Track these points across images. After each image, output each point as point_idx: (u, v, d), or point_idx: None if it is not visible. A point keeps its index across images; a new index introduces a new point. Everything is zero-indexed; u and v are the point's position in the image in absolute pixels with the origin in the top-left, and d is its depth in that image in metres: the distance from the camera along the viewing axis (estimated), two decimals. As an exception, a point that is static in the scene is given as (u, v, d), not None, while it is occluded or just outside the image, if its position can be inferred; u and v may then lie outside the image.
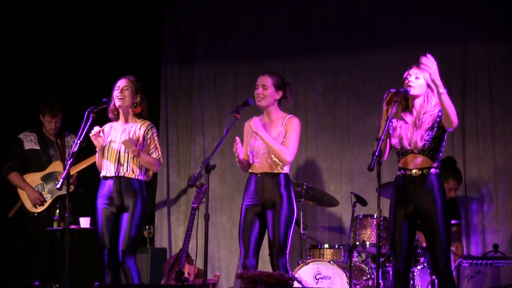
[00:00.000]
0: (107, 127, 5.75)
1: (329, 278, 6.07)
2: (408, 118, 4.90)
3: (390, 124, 4.89)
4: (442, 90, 4.66)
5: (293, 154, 5.44)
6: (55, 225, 6.26)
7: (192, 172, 7.86)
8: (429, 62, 4.71)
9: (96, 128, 5.58)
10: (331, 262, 6.10)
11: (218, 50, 7.95)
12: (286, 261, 5.38)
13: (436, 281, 5.58)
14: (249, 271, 4.85)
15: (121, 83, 5.70)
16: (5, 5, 7.71)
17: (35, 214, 6.60)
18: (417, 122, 4.84)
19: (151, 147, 5.68)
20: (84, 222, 6.01)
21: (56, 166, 6.67)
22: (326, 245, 6.48)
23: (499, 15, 7.01)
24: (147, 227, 7.19)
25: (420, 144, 4.80)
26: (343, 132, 7.44)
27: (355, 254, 6.30)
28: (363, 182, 7.25)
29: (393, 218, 4.88)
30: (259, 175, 5.46)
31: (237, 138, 5.45)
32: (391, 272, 5.63)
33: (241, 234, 5.46)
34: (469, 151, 7.02)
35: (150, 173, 5.73)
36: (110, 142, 5.66)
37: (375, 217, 6.09)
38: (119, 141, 5.63)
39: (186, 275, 5.96)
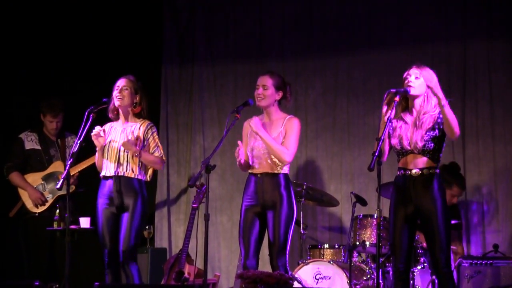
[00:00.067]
0: (107, 127, 5.74)
1: (329, 278, 6.07)
2: (408, 118, 4.90)
3: (390, 124, 4.89)
4: (444, 102, 4.67)
5: (293, 155, 5.44)
6: (55, 225, 6.26)
7: (192, 172, 7.86)
8: (429, 75, 4.75)
9: (98, 128, 5.58)
10: (331, 262, 6.10)
11: (218, 50, 7.95)
12: (286, 261, 5.38)
13: (436, 281, 5.58)
14: (249, 271, 4.85)
15: (121, 83, 5.70)
16: (5, 5, 7.71)
17: (36, 214, 6.60)
18: (417, 122, 4.85)
19: (153, 146, 5.68)
20: (84, 222, 6.01)
21: (57, 166, 6.67)
22: (326, 245, 6.49)
23: (499, 15, 7.01)
24: (147, 227, 7.18)
25: (420, 144, 4.81)
26: (343, 132, 7.44)
27: (355, 254, 6.30)
28: (363, 182, 7.25)
29: (393, 218, 4.88)
30: (259, 176, 5.46)
31: (240, 143, 5.44)
32: (391, 272, 5.63)
33: (241, 234, 5.46)
34: (469, 151, 7.02)
35: (151, 173, 5.73)
36: (110, 142, 5.66)
37: (375, 217, 6.09)
38: (119, 140, 5.63)
39: (186, 275, 5.96)
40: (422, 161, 4.83)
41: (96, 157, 5.72)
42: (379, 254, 4.73)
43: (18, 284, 5.55)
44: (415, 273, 6.04)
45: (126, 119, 5.72)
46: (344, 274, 5.99)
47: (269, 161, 5.44)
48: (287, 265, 5.39)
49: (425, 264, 6.11)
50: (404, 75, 4.91)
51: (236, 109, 5.37)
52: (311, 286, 6.02)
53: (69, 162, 5.43)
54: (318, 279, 6.09)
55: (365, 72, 7.43)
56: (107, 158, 5.64)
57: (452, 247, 5.70)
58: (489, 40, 7.04)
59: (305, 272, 6.11)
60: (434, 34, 7.19)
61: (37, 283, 5.05)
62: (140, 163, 5.63)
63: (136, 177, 5.62)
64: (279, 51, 7.73)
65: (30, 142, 6.73)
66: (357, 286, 6.01)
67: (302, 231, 6.58)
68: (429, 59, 6.87)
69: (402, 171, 4.89)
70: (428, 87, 4.76)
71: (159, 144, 5.71)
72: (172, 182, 7.93)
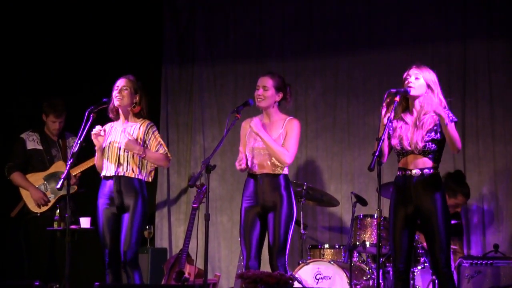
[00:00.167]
0: (107, 127, 5.74)
1: (329, 278, 6.07)
2: (408, 118, 4.90)
3: (390, 124, 4.89)
4: (447, 121, 4.68)
5: (293, 156, 5.45)
6: (55, 225, 6.26)
7: (192, 172, 7.86)
8: (429, 98, 4.76)
9: (98, 127, 5.58)
10: (332, 262, 6.10)
11: (218, 50, 7.95)
12: (286, 261, 5.38)
13: (436, 281, 5.59)
14: (249, 271, 4.86)
15: (120, 82, 5.70)
16: (5, 5, 7.71)
17: (38, 214, 6.60)
18: (417, 123, 4.85)
19: (155, 145, 5.67)
20: (85, 222, 6.01)
21: (59, 166, 6.67)
22: (326, 245, 6.48)
23: (499, 15, 7.00)
24: (147, 227, 7.18)
25: (420, 145, 4.81)
26: (343, 132, 7.44)
27: (356, 254, 6.30)
28: (363, 182, 7.25)
29: (393, 219, 4.88)
30: (258, 176, 5.46)
31: (241, 150, 5.45)
32: (391, 272, 5.63)
33: (242, 235, 5.46)
34: (469, 151, 7.02)
35: (152, 173, 5.73)
36: (110, 142, 5.66)
37: (375, 217, 6.10)
38: (119, 140, 5.63)
39: (186, 275, 5.96)
40: (422, 161, 4.83)
41: (96, 157, 5.72)
42: (379, 254, 4.74)
43: (18, 284, 5.55)
44: (415, 273, 6.04)
45: (126, 119, 5.72)
46: (344, 274, 5.99)
47: (269, 162, 5.44)
48: (286, 265, 5.40)
49: (425, 264, 6.11)
50: (404, 76, 4.91)
51: (236, 109, 5.38)
52: (311, 286, 6.02)
53: (69, 162, 5.43)
54: (318, 279, 6.09)
55: (365, 72, 7.42)
56: (107, 158, 5.64)
57: (452, 246, 5.71)
58: (489, 40, 7.03)
59: (305, 272, 6.11)
60: (434, 34, 7.19)
61: (37, 283, 5.05)
62: (140, 163, 5.63)
63: (136, 177, 5.61)
64: (279, 51, 7.73)
65: (32, 142, 6.73)
66: (358, 286, 6.01)
67: (302, 231, 6.58)
68: (429, 59, 6.87)
69: (402, 172, 4.89)
70: (434, 112, 4.75)
71: (162, 142, 5.71)
72: (172, 182, 7.93)
